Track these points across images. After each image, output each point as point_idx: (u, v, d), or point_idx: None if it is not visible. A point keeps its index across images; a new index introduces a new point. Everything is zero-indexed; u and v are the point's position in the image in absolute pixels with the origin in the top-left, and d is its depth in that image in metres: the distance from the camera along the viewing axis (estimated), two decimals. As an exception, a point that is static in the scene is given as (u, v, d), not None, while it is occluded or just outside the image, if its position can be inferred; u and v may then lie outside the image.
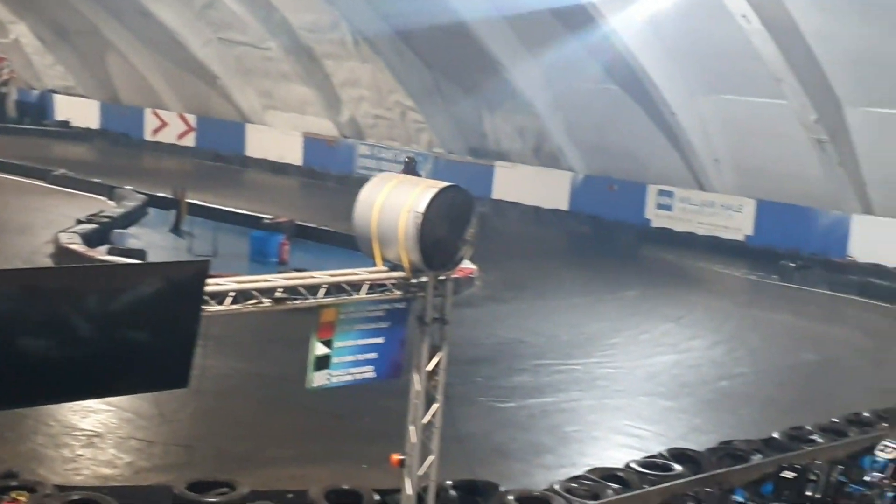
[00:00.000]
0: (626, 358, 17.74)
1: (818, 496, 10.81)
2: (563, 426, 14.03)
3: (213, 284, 7.55)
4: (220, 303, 7.63)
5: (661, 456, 11.79)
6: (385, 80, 34.96)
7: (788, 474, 11.00)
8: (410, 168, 26.45)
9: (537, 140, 32.80)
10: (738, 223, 28.59)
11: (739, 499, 10.67)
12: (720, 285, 25.39)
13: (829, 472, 11.03)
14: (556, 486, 10.60)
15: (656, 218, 30.22)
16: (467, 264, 20.84)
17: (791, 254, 26.41)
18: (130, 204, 26.34)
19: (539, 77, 30.22)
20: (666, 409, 15.23)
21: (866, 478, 11.48)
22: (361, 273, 8.37)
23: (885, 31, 22.26)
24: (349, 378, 8.43)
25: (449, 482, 10.15)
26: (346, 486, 10.14)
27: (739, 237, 28.47)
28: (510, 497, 10.22)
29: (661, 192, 30.19)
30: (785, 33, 23.71)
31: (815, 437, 12.71)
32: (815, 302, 23.49)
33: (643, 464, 11.40)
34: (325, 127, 38.02)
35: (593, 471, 11.20)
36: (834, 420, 13.45)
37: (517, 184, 32.82)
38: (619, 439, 13.61)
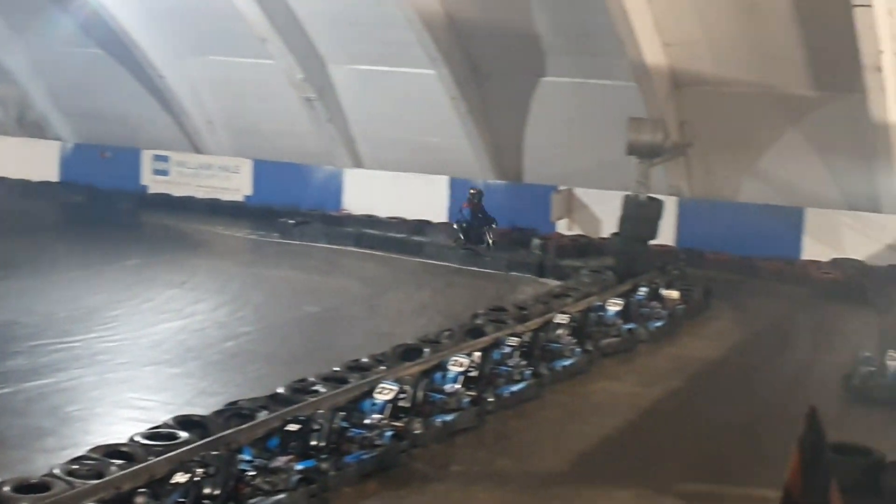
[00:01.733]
0: (129, 329, 17.25)
1: (322, 444, 11.09)
2: (63, 406, 13.35)
3: None
4: None
5: (166, 425, 11.54)
6: None
7: (292, 426, 11.19)
8: (474, 202, 23.78)
9: (20, 109, 31.03)
10: (236, 184, 28.76)
11: (247, 457, 10.68)
12: (223, 247, 25.42)
13: (331, 420, 11.34)
14: (56, 470, 10.05)
15: (154, 184, 29.69)
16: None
17: (290, 211, 26.95)
18: None
19: (14, 42, 28.52)
20: (172, 375, 14.98)
21: (367, 420, 11.97)
22: None
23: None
24: None
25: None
26: None
27: (239, 198, 28.68)
28: (6, 488, 9.53)
29: (157, 157, 29.70)
30: (265, -6, 24.07)
31: (318, 387, 13.00)
32: (314, 256, 24.15)
33: (148, 435, 11.08)
34: None
35: (96, 449, 10.72)
36: (335, 369, 13.86)
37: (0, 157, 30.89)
38: (124, 413, 13.18)
